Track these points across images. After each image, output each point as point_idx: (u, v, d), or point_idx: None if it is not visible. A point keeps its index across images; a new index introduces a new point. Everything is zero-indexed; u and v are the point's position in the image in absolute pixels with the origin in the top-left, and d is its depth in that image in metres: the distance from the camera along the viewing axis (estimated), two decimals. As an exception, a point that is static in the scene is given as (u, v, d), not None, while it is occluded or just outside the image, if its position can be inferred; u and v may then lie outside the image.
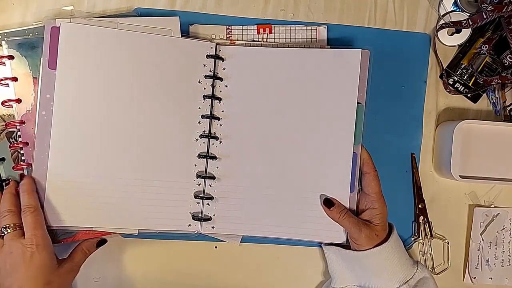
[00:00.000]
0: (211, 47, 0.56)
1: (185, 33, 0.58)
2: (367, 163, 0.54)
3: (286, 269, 0.60)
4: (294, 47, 0.58)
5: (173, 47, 0.55)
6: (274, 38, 0.60)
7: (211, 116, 0.56)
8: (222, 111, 0.56)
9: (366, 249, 0.52)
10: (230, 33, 0.59)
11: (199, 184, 0.56)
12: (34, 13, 0.57)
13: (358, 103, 0.55)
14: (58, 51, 0.52)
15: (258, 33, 0.59)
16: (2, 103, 0.54)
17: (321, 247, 0.58)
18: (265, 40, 0.59)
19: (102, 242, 0.55)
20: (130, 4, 0.59)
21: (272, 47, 0.59)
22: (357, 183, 0.55)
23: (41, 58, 0.53)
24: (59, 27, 0.52)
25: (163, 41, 0.55)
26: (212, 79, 0.56)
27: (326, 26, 0.60)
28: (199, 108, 0.56)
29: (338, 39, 0.60)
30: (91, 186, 0.53)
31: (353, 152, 0.54)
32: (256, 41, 0.59)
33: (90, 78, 0.53)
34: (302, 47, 0.59)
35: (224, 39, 0.59)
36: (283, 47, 0.59)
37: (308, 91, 0.55)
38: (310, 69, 0.55)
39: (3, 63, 0.54)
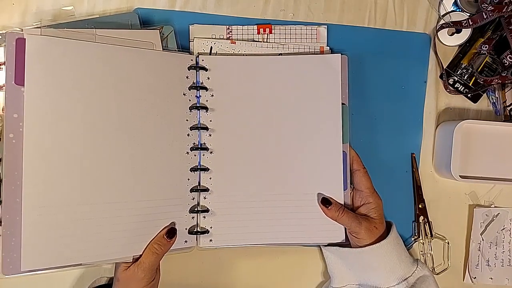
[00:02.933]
0: (191, 59, 0.55)
1: (184, 33, 0.58)
2: (356, 161, 0.55)
3: (286, 270, 0.60)
4: (277, 55, 0.58)
5: (153, 61, 0.52)
6: (274, 38, 0.60)
7: (200, 127, 0.54)
8: (210, 120, 0.55)
9: (366, 245, 0.52)
10: (230, 33, 0.59)
11: (193, 198, 0.54)
12: (34, 13, 0.57)
13: (342, 104, 0.56)
14: (25, 65, 0.45)
15: (258, 33, 0.59)
16: (3, 109, 0.54)
17: (320, 246, 0.59)
18: (265, 40, 0.59)
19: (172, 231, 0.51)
20: (130, 4, 0.59)
21: (268, 54, 0.59)
22: (349, 180, 0.55)
23: (5, 72, 0.45)
24: (25, 38, 0.45)
25: (142, 55, 0.52)
26: (196, 90, 0.55)
27: (326, 26, 0.60)
28: (187, 120, 0.54)
29: (338, 39, 0.60)
30: (76, 217, 0.47)
31: (343, 151, 0.55)
32: (256, 41, 0.59)
33: (65, 95, 0.47)
34: (286, 54, 0.59)
35: (224, 39, 0.59)
36: (281, 47, 0.59)
37: (294, 96, 0.56)
38: (295, 75, 0.56)
39: (1, 69, 0.54)
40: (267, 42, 0.59)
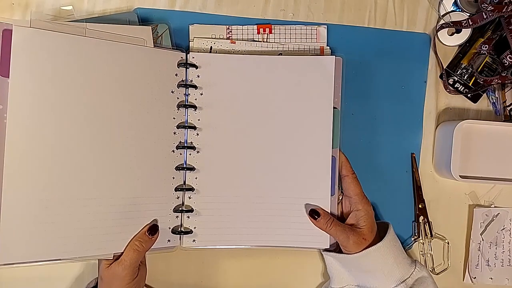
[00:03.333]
0: (181, 57, 0.54)
1: (184, 33, 0.58)
2: (345, 166, 0.55)
3: (286, 270, 0.60)
4: (277, 55, 0.57)
5: (142, 57, 0.52)
6: (274, 38, 0.60)
7: (187, 126, 0.54)
8: (198, 119, 0.54)
9: (358, 252, 0.52)
10: (230, 33, 0.59)
11: (177, 198, 0.54)
12: (34, 13, 0.57)
13: (334, 108, 0.55)
14: (11, 57, 0.45)
15: (258, 33, 0.59)
16: None
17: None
18: (265, 40, 0.59)
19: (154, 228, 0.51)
20: (130, 4, 0.59)
21: (265, 54, 0.59)
22: (337, 186, 0.55)
23: None
24: (12, 30, 0.45)
25: (131, 51, 0.51)
26: (185, 88, 0.54)
27: (326, 26, 0.60)
28: (174, 118, 0.53)
29: (338, 39, 0.60)
30: (57, 211, 0.46)
31: (332, 156, 0.54)
32: (256, 41, 0.59)
33: (51, 89, 0.47)
34: (285, 54, 0.59)
35: (224, 39, 0.59)
36: (281, 47, 0.59)
37: (286, 97, 0.55)
38: (287, 76, 0.55)
39: None
40: (267, 42, 0.59)
